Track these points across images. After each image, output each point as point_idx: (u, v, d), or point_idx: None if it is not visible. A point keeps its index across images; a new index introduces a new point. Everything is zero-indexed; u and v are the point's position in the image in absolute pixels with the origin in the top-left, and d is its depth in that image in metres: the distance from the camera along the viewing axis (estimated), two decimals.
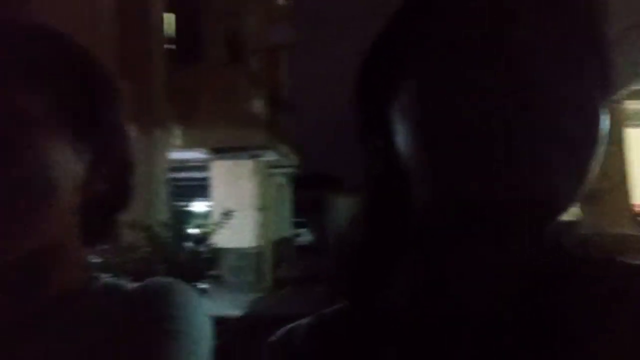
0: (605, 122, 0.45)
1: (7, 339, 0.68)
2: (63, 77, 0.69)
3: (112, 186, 0.75)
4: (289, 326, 0.60)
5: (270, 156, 14.66)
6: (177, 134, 11.82)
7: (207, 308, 0.74)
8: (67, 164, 0.69)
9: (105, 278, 0.77)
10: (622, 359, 0.44)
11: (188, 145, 12.45)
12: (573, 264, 0.48)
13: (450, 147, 0.44)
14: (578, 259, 0.48)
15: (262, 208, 14.58)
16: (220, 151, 13.45)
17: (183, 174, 16.33)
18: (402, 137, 0.48)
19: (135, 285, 0.74)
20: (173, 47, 11.83)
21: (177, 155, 12.42)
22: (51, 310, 0.70)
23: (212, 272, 9.16)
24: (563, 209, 0.45)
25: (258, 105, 13.49)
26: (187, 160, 14.12)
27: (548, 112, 0.43)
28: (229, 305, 11.13)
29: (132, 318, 0.69)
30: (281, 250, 18.83)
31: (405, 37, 0.48)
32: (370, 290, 0.48)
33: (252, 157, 13.96)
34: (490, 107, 0.43)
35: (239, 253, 13.52)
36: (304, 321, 0.58)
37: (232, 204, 11.50)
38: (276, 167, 17.38)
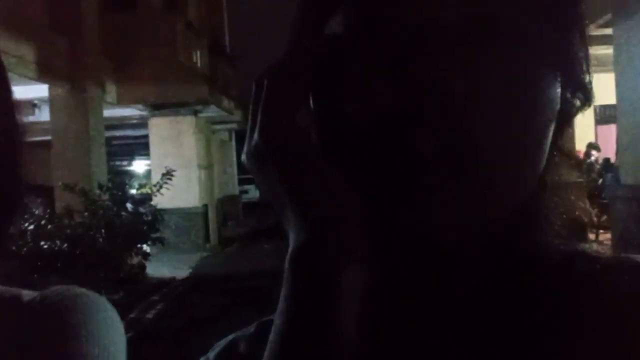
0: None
1: None
2: None
3: None
4: (229, 338, 0.57)
5: (213, 111, 14.34)
6: (112, 90, 11.31)
7: (118, 318, 0.68)
8: None
9: None
10: (587, 348, 0.44)
11: (124, 101, 11.94)
12: (537, 252, 0.49)
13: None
14: (542, 248, 0.49)
15: (205, 166, 14.39)
16: (159, 107, 13.02)
17: (120, 132, 15.93)
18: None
19: (33, 295, 0.67)
20: None
21: (113, 112, 12.01)
22: None
23: (155, 235, 8.97)
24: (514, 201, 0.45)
25: (198, 57, 13.08)
26: (125, 118, 13.67)
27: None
28: (174, 267, 10.97)
29: (31, 338, 0.63)
30: (227, 208, 18.79)
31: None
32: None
33: (193, 112, 13.62)
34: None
35: (183, 213, 13.29)
36: (246, 331, 0.56)
37: (173, 162, 11.18)
38: (219, 122, 17.14)
